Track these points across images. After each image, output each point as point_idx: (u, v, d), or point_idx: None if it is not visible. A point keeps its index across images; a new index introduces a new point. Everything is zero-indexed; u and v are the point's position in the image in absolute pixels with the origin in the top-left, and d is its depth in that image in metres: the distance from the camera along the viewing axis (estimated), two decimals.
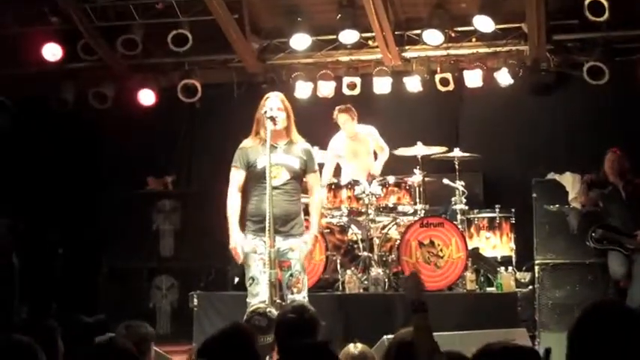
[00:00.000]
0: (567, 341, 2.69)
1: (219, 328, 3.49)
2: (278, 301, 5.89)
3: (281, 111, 6.28)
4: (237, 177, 6.34)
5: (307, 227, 6.49)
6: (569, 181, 8.79)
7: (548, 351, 3.67)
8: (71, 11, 9.57)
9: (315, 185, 6.53)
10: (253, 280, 6.12)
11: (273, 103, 6.29)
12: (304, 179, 6.46)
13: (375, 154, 9.14)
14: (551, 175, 9.16)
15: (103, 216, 10.37)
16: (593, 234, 8.12)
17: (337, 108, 8.96)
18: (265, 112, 6.20)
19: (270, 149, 6.08)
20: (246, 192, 6.35)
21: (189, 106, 10.50)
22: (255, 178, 6.27)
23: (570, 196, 8.68)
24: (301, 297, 6.17)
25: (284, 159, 6.29)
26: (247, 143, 6.38)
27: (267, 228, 5.89)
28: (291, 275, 6.23)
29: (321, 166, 8.92)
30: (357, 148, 9.00)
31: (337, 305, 7.88)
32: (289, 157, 6.32)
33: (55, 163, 10.48)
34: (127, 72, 10.43)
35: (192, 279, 9.72)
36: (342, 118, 8.87)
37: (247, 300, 6.13)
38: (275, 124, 6.20)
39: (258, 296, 6.03)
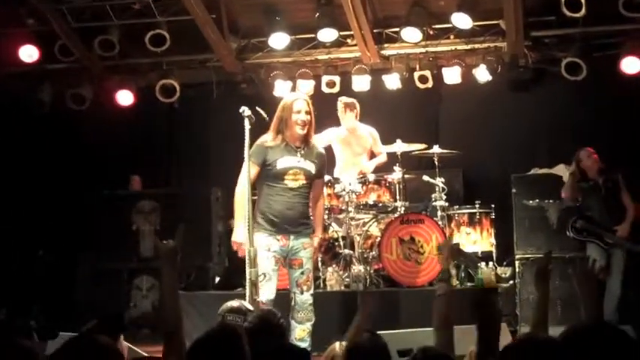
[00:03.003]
0: None
1: (206, 330, 3.40)
2: (258, 299, 5.87)
3: (308, 114, 6.31)
4: (250, 171, 6.20)
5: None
6: (566, 173, 8.78)
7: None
8: (47, 13, 9.50)
9: (321, 192, 6.67)
10: (265, 276, 6.11)
11: (302, 106, 6.31)
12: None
13: (373, 155, 9.04)
14: (534, 171, 9.19)
15: (83, 217, 10.30)
16: (575, 224, 8.16)
17: (340, 99, 8.90)
18: (295, 114, 6.24)
19: (291, 151, 6.26)
20: (253, 188, 6.28)
21: (167, 106, 10.45)
22: (270, 178, 6.25)
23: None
24: (309, 294, 6.34)
25: (304, 164, 6.33)
26: (268, 141, 6.30)
27: (249, 227, 5.92)
28: (302, 273, 6.32)
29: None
30: (352, 141, 8.90)
31: (318, 303, 7.84)
32: (307, 162, 6.34)
33: (33, 165, 10.39)
34: (105, 73, 10.36)
35: None
36: (340, 107, 8.77)
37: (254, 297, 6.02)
38: (304, 128, 6.27)
39: (265, 294, 6.06)
